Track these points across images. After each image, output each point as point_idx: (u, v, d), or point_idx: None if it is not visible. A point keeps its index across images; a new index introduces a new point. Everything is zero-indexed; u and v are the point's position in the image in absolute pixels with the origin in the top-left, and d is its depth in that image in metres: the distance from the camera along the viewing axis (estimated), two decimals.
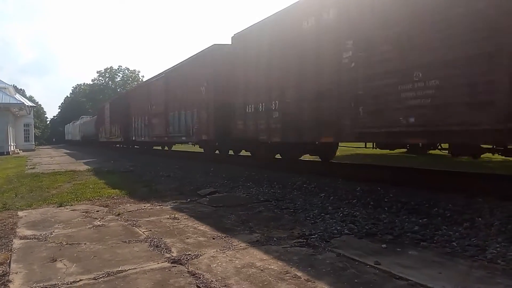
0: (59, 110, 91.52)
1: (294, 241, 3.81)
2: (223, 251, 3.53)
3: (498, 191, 5.04)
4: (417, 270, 2.93)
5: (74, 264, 3.24)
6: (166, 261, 3.28)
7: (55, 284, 2.83)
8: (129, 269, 3.09)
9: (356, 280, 2.77)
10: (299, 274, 2.91)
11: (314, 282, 2.75)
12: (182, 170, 11.26)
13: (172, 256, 3.40)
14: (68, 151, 31.83)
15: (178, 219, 4.91)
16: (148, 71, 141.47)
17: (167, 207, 5.78)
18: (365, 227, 4.20)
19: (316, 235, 3.94)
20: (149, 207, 5.78)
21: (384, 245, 3.60)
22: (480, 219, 4.21)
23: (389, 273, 2.89)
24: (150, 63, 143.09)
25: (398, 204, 5.24)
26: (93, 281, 2.88)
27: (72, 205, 6.08)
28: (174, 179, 9.18)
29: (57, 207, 5.96)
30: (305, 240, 3.80)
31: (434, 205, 4.99)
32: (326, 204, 5.55)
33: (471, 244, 3.49)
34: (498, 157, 12.45)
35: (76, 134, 52.68)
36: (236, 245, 3.71)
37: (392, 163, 10.58)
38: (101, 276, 2.96)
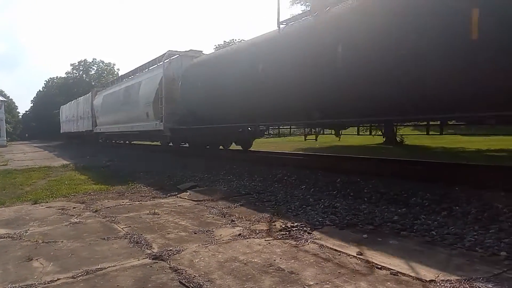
0: (32, 104, 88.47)
1: (276, 233, 3.80)
2: (206, 245, 3.49)
3: (474, 180, 5.17)
4: (398, 259, 2.97)
5: (51, 263, 3.14)
6: (147, 257, 3.22)
7: (32, 284, 2.73)
8: (109, 267, 3.02)
9: (339, 271, 2.78)
10: (283, 266, 2.90)
11: (297, 274, 2.75)
12: (161, 164, 11.09)
13: (153, 252, 3.34)
14: (41, 146, 30.88)
15: (159, 214, 4.83)
16: (124, 64, 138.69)
17: (147, 202, 5.68)
18: (346, 218, 4.24)
19: (298, 227, 3.95)
20: (128, 203, 5.66)
21: (365, 235, 3.64)
22: (457, 207, 4.31)
23: (371, 263, 2.92)
24: (125, 55, 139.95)
25: (377, 194, 5.31)
26: (72, 279, 2.80)
27: (47, 202, 5.90)
28: (153, 174, 9.03)
29: (32, 204, 5.78)
30: (287, 232, 3.80)
31: (412, 194, 5.07)
32: (307, 196, 5.57)
33: (449, 233, 3.57)
34: (471, 147, 12.78)
35: (116, 119, 18.06)
36: (219, 239, 3.68)
37: (369, 155, 10.74)
38: (79, 274, 2.88)
